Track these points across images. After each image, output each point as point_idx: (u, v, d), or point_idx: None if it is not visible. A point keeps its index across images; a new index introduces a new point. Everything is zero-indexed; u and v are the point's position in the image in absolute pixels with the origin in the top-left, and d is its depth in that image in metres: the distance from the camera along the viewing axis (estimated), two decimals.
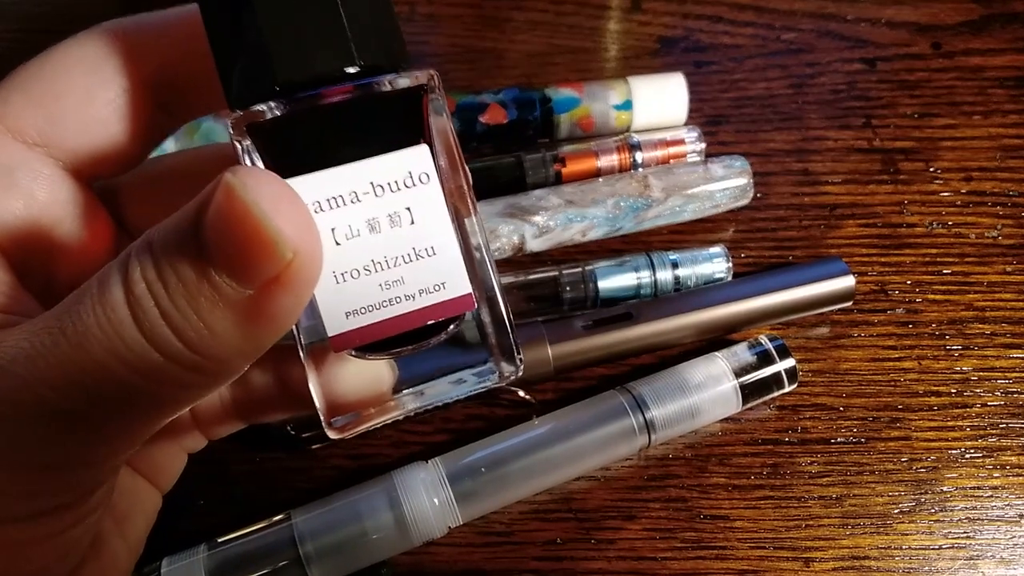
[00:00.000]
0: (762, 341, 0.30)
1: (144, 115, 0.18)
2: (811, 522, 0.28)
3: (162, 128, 0.19)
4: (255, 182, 0.14)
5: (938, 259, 0.34)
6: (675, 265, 0.32)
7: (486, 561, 0.28)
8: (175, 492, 0.23)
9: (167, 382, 0.15)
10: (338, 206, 0.16)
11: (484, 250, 0.17)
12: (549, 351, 0.30)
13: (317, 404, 0.17)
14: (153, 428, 0.16)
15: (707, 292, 0.32)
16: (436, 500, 0.27)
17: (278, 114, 0.16)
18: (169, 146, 0.35)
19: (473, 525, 0.28)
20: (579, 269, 0.32)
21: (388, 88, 0.16)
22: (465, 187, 0.17)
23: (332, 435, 0.18)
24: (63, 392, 0.15)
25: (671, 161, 0.36)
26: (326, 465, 0.30)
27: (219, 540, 0.26)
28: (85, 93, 0.18)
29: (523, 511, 0.29)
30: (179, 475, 0.22)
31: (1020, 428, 0.30)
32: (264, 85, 0.16)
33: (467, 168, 0.18)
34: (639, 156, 0.35)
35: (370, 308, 0.16)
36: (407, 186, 0.16)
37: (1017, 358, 0.32)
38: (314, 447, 0.30)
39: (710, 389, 0.29)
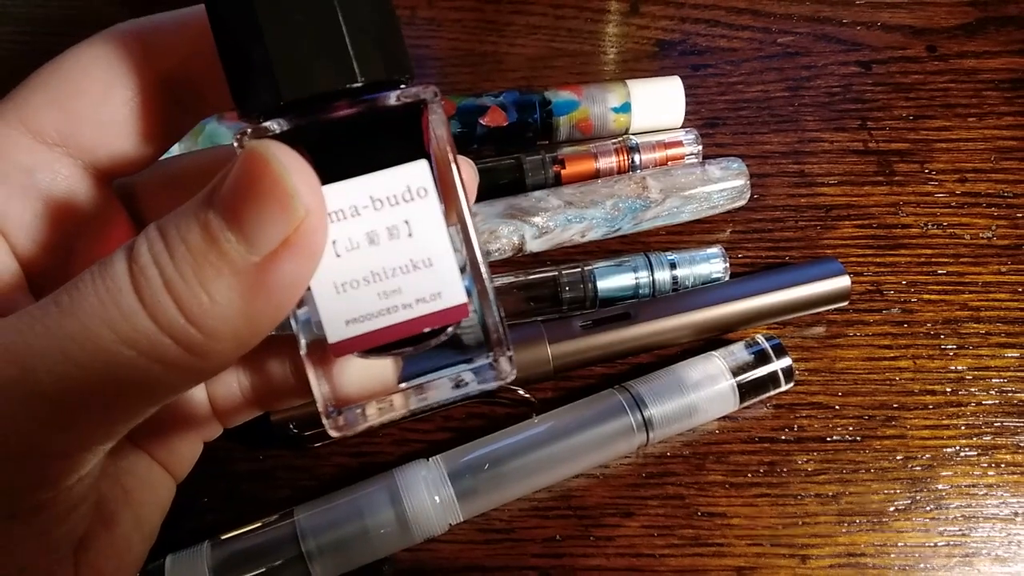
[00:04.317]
0: (759, 340, 0.31)
1: (161, 113, 0.19)
2: (807, 519, 0.29)
3: (179, 125, 0.20)
4: (276, 146, 0.14)
5: (933, 259, 0.35)
6: (673, 265, 0.33)
7: (487, 558, 0.28)
8: (179, 489, 0.23)
9: (158, 359, 0.15)
10: (339, 219, 0.16)
11: (479, 257, 0.18)
12: (549, 351, 0.30)
13: (316, 399, 0.18)
14: (133, 417, 0.16)
15: (705, 292, 0.32)
16: (437, 497, 0.27)
17: (284, 129, 0.16)
18: (172, 149, 0.35)
19: (474, 522, 0.28)
20: (578, 269, 0.32)
21: (390, 103, 0.17)
22: (462, 197, 0.17)
23: (333, 433, 0.18)
24: (49, 364, 0.14)
25: (669, 163, 0.36)
26: (328, 463, 0.30)
27: (222, 537, 0.26)
28: (102, 93, 0.18)
29: (523, 508, 0.29)
30: (194, 463, 0.23)
31: (1014, 427, 0.30)
32: (269, 103, 0.16)
33: (464, 177, 0.18)
34: (637, 158, 0.36)
35: (369, 316, 0.17)
36: (406, 200, 0.17)
37: (1011, 357, 0.32)
38: (316, 445, 0.30)
39: (707, 388, 0.29)
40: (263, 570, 0.26)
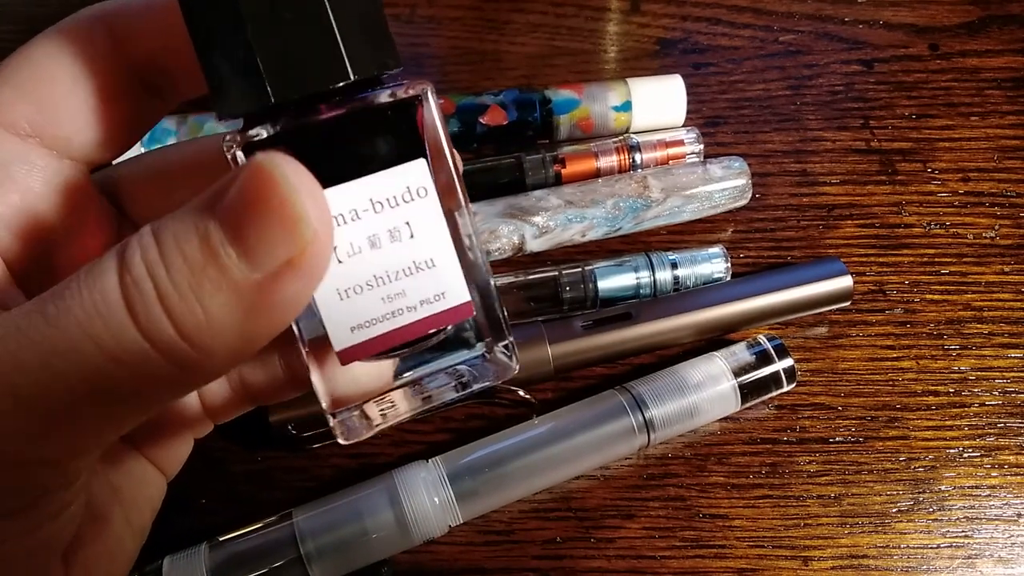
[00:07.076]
0: (761, 341, 0.30)
1: (133, 99, 0.18)
2: (809, 521, 0.28)
3: (153, 110, 0.19)
4: (284, 161, 0.14)
5: (936, 259, 0.34)
6: (674, 265, 0.33)
7: (486, 560, 0.28)
8: (177, 490, 0.23)
9: (146, 376, 0.14)
10: (340, 225, 0.16)
11: (479, 254, 0.18)
12: (549, 351, 0.30)
13: (322, 402, 0.18)
14: (122, 427, 0.16)
15: (706, 292, 0.32)
16: (436, 499, 0.27)
17: (274, 132, 0.15)
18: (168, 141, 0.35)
19: (473, 524, 0.28)
20: (579, 269, 0.32)
21: (383, 101, 0.16)
22: (460, 192, 0.17)
23: (342, 441, 0.18)
24: (33, 376, 0.14)
25: (670, 162, 0.36)
26: (327, 464, 0.30)
27: (220, 539, 0.26)
28: (72, 81, 0.17)
29: (523, 510, 0.29)
30: (184, 461, 0.22)
31: (1018, 427, 0.30)
32: (258, 105, 0.15)
33: (460, 169, 0.18)
34: (638, 157, 0.35)
35: (374, 321, 0.17)
36: (405, 201, 0.16)
37: (1015, 358, 0.32)
38: (315, 446, 0.30)
39: (709, 389, 0.29)
40: (262, 572, 0.25)
